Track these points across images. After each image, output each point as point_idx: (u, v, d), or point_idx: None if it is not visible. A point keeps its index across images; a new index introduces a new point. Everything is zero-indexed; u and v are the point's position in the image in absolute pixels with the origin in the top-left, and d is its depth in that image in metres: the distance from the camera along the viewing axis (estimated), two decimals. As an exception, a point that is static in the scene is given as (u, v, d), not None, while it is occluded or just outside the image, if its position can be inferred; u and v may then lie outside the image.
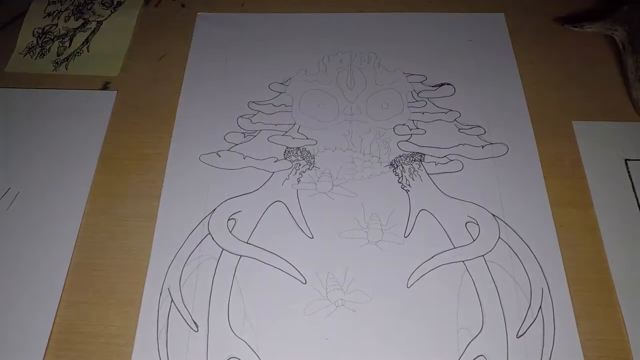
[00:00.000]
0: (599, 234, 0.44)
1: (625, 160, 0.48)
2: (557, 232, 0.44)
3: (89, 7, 0.61)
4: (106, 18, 0.60)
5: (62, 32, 0.60)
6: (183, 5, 0.61)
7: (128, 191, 0.48)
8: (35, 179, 0.48)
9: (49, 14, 0.61)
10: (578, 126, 0.50)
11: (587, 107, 0.52)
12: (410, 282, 0.42)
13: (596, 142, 0.49)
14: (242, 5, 0.60)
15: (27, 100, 0.54)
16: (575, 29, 0.56)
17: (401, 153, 0.49)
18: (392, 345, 0.40)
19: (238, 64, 0.55)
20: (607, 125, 0.50)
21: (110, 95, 0.54)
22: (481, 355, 0.39)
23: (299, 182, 0.48)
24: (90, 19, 0.60)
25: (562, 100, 0.52)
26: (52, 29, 0.60)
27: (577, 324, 0.40)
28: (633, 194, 0.46)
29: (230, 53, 0.56)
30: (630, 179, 0.47)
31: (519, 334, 0.40)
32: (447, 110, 0.51)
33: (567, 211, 0.46)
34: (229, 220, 0.46)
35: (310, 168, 0.48)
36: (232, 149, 0.50)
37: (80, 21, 0.60)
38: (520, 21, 0.58)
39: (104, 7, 0.61)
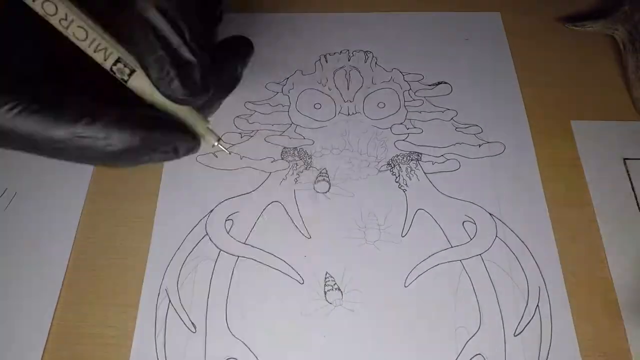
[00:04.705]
0: (597, 232, 0.44)
1: (624, 159, 0.48)
2: (554, 230, 0.44)
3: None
4: (104, 20, 0.60)
5: (60, 34, 0.59)
6: (180, 7, 0.61)
7: (126, 192, 0.48)
8: (32, 179, 0.48)
9: (47, 16, 0.61)
10: (576, 125, 0.50)
11: (585, 106, 0.51)
12: (408, 282, 0.42)
13: (594, 141, 0.49)
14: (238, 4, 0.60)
15: (25, 102, 0.54)
16: (576, 28, 0.55)
17: (398, 152, 0.49)
18: (390, 345, 0.40)
19: (235, 64, 0.55)
20: (605, 125, 0.50)
21: (108, 97, 0.54)
22: (479, 354, 0.39)
23: (296, 182, 0.48)
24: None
25: (560, 99, 0.52)
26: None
27: (574, 322, 0.40)
28: (632, 192, 0.46)
29: (228, 53, 0.56)
30: (629, 178, 0.47)
31: (516, 333, 0.40)
32: (444, 109, 0.51)
33: (565, 210, 0.45)
34: (226, 221, 0.46)
35: (308, 168, 0.48)
36: (229, 150, 0.49)
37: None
38: (516, 20, 0.57)
39: (102, 9, 0.61)
